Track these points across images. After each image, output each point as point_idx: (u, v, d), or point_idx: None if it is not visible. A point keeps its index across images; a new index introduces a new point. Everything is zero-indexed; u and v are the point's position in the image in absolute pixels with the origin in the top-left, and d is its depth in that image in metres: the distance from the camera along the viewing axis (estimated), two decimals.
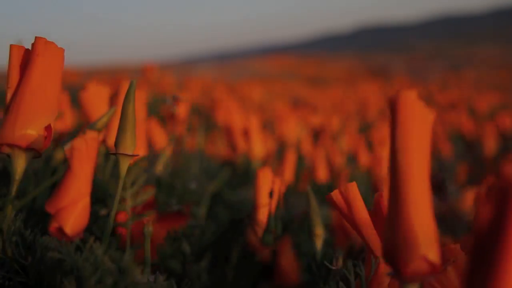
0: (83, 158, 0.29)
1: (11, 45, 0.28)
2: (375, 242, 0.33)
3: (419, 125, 0.21)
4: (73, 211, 0.29)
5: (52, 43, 0.29)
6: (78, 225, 0.29)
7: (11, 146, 0.29)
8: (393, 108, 0.21)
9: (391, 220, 0.21)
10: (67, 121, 0.71)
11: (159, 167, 0.57)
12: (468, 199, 0.97)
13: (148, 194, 0.43)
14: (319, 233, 0.50)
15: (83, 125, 0.59)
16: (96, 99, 0.55)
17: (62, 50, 0.29)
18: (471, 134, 2.10)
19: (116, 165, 0.55)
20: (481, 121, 2.32)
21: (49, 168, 0.55)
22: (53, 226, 0.28)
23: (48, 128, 0.30)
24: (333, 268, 0.39)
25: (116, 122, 0.50)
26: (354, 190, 0.32)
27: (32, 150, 0.30)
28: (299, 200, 0.92)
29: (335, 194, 0.33)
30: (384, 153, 0.99)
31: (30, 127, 0.29)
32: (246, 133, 0.92)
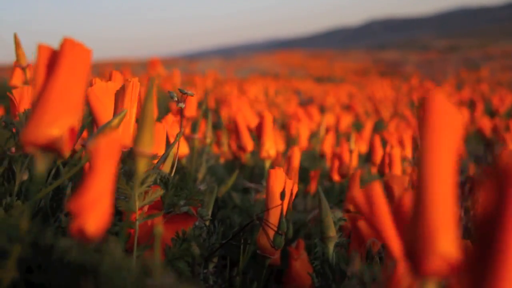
0: (107, 157, 0.29)
1: (39, 45, 0.29)
2: (396, 244, 0.31)
3: (447, 126, 0.21)
4: (95, 210, 0.28)
5: (80, 44, 0.29)
6: (100, 225, 0.28)
7: (35, 146, 0.29)
8: (422, 109, 0.21)
9: (414, 216, 0.21)
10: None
11: (166, 167, 0.55)
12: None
13: (157, 194, 0.42)
14: (332, 235, 0.48)
15: (90, 121, 0.58)
16: (103, 95, 0.54)
17: (89, 52, 0.30)
18: (489, 133, 2.03)
19: (124, 163, 0.54)
20: (499, 120, 2.23)
21: (55, 167, 0.54)
22: (75, 225, 0.28)
23: (72, 129, 0.30)
24: (348, 272, 0.37)
25: (124, 122, 0.49)
26: (377, 190, 0.30)
27: (56, 151, 0.30)
28: (307, 202, 0.90)
29: (358, 194, 0.30)
30: (398, 153, 0.95)
31: (55, 127, 0.29)
32: (258, 132, 0.89)
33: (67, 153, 0.30)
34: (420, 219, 0.21)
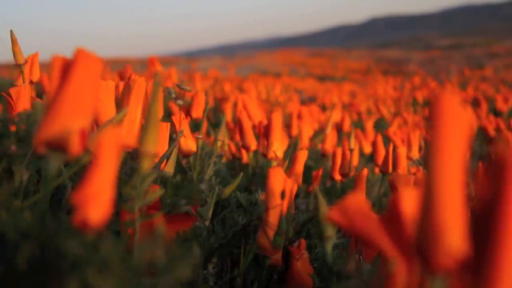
0: (109, 152, 0.30)
1: (53, 58, 0.32)
2: (388, 246, 0.30)
3: (456, 127, 0.22)
4: (97, 202, 0.30)
5: (92, 55, 0.33)
6: (102, 216, 0.30)
7: (48, 146, 0.31)
8: (431, 109, 0.22)
9: (422, 214, 0.22)
10: None
11: (167, 166, 0.54)
12: None
13: (157, 194, 0.41)
14: (330, 235, 0.47)
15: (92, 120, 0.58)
16: (103, 94, 0.53)
17: (99, 61, 0.33)
18: (494, 133, 2.01)
19: (124, 163, 0.53)
20: (504, 120, 2.21)
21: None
22: (78, 216, 0.29)
23: (83, 132, 0.32)
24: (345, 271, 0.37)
25: (127, 121, 0.48)
26: (354, 206, 0.29)
27: (67, 152, 0.32)
28: (310, 202, 0.89)
29: (334, 213, 0.29)
30: (402, 152, 0.94)
31: (66, 129, 0.31)
32: (265, 132, 0.87)
33: (78, 153, 0.32)
34: (429, 218, 0.21)
